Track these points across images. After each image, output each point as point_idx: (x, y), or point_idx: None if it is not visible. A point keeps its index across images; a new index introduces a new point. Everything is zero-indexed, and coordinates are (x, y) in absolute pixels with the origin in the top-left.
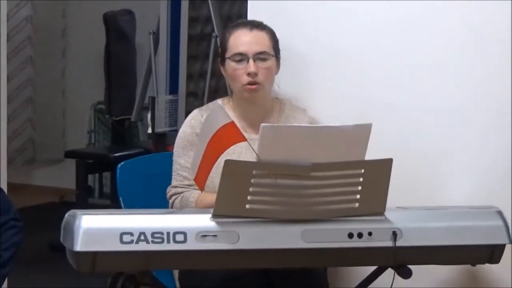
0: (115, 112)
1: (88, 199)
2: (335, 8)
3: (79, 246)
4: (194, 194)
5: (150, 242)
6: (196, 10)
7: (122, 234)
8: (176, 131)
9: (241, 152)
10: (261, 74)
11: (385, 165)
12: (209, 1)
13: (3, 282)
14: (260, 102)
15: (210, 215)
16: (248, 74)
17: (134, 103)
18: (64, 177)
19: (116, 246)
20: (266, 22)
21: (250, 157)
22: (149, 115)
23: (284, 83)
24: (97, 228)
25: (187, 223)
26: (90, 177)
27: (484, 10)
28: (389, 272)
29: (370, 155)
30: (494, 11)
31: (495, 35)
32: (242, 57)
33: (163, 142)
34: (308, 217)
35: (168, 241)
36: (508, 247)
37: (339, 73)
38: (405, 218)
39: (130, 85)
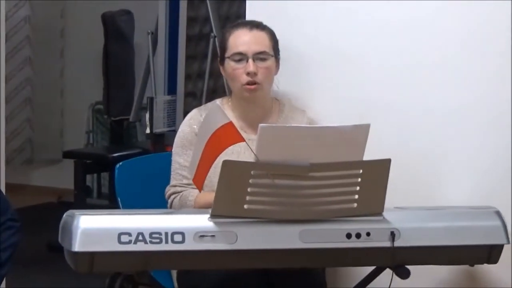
0: (114, 112)
1: (86, 199)
2: (335, 8)
3: (77, 246)
4: (193, 193)
5: (148, 242)
6: (194, 10)
7: (120, 234)
8: (175, 131)
9: (240, 152)
10: (260, 74)
11: (384, 165)
12: (208, 1)
13: (1, 282)
14: (259, 102)
15: (208, 215)
16: (248, 74)
17: (132, 103)
18: (62, 177)
19: (114, 246)
20: (264, 22)
21: (249, 157)
22: (147, 116)
23: (283, 83)
24: (95, 228)
25: (185, 223)
26: (88, 177)
27: (484, 10)
28: (387, 272)
29: (370, 155)
30: (494, 11)
31: (495, 35)
32: (241, 57)
33: (161, 142)
34: (306, 217)
35: (166, 241)
36: (506, 247)
37: (338, 73)
38: (403, 218)
39: (128, 85)
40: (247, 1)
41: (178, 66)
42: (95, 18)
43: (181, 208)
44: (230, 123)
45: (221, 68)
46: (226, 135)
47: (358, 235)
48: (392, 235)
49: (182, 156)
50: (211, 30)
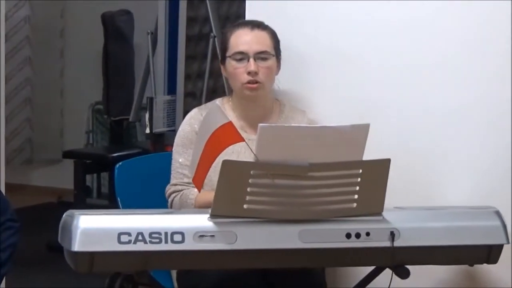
0: (113, 112)
1: (86, 199)
2: (335, 8)
3: (77, 246)
4: (193, 192)
5: (148, 242)
6: (194, 10)
7: (120, 234)
8: (174, 131)
9: (240, 151)
10: (261, 74)
11: (383, 165)
12: (207, 1)
13: (1, 282)
14: (260, 102)
15: (208, 215)
16: (249, 73)
17: (132, 103)
18: (62, 177)
19: (113, 246)
20: (264, 22)
21: (249, 157)
22: (147, 115)
23: (283, 83)
24: (95, 228)
25: (185, 223)
26: (88, 177)
27: (484, 10)
28: (387, 272)
29: (370, 155)
30: (494, 11)
31: (495, 35)
32: (242, 56)
33: (161, 142)
34: (306, 217)
35: (166, 241)
36: (506, 247)
37: (338, 73)
38: (402, 218)
39: (128, 85)
40: (246, 1)
41: (178, 66)
42: (95, 18)
43: (182, 206)
44: (230, 123)
45: (222, 67)
46: (225, 135)
47: (357, 235)
48: (392, 235)
49: (183, 155)
50: (211, 30)
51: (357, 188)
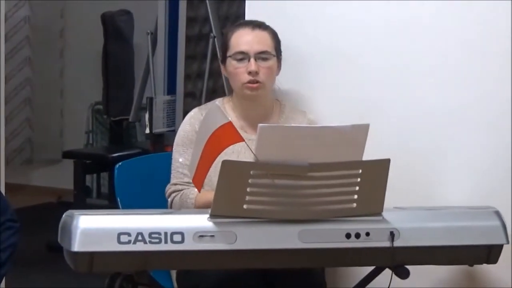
0: (113, 112)
1: (86, 200)
2: (335, 8)
3: (76, 246)
4: (193, 192)
5: (148, 242)
6: (194, 10)
7: (119, 234)
8: (174, 131)
9: (240, 151)
10: (262, 74)
11: (383, 165)
12: (207, 2)
13: (1, 282)
14: (260, 102)
15: (207, 215)
16: (249, 73)
17: (132, 104)
18: (62, 177)
19: (113, 246)
20: (264, 22)
21: (249, 156)
22: (147, 116)
23: (282, 83)
24: (94, 228)
25: (184, 223)
26: (88, 177)
27: (484, 10)
28: (387, 272)
29: (370, 155)
30: (494, 11)
31: (495, 35)
32: (243, 56)
33: (161, 142)
34: (305, 217)
35: (166, 241)
36: (505, 247)
37: (338, 73)
38: (402, 218)
39: (128, 85)
40: (246, 1)
41: (178, 66)
42: (95, 18)
43: (182, 206)
44: (230, 123)
45: (222, 67)
46: (225, 135)
47: (357, 235)
48: (392, 235)
49: (183, 155)
50: (211, 30)
51: (357, 188)
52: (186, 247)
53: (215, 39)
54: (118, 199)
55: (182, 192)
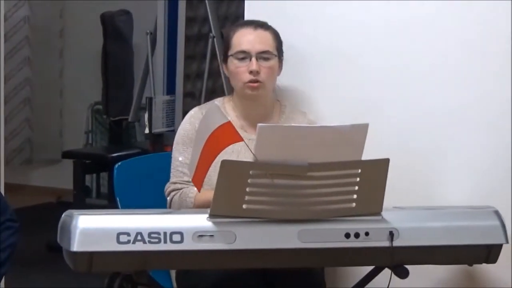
0: (113, 112)
1: (85, 199)
2: (334, 8)
3: (76, 246)
4: (193, 191)
5: (147, 242)
6: (193, 10)
7: (119, 234)
8: (174, 131)
9: (240, 151)
10: (263, 73)
11: (382, 165)
12: (206, 2)
13: (0, 282)
14: (261, 102)
15: (207, 215)
16: (250, 72)
17: (131, 104)
18: (61, 177)
19: (112, 246)
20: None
21: (249, 156)
22: (146, 116)
23: (282, 82)
24: (93, 228)
25: (183, 223)
26: (87, 177)
27: (484, 10)
28: (386, 272)
29: (370, 155)
30: (494, 11)
31: (495, 35)
32: (245, 55)
33: (160, 142)
34: (305, 217)
35: (165, 241)
36: (505, 247)
37: (337, 73)
38: (402, 218)
39: (127, 85)
40: (245, 1)
41: (177, 66)
42: (94, 18)
43: (181, 205)
44: (229, 122)
45: (224, 66)
46: (224, 135)
47: (356, 235)
48: (391, 234)
49: (183, 154)
50: (210, 30)
51: (356, 188)
52: (185, 247)
53: (214, 39)
54: (118, 199)
55: (181, 191)
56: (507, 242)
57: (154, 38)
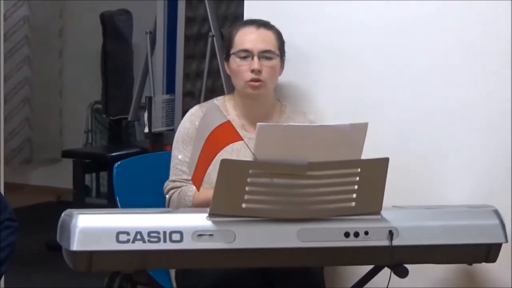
0: (112, 111)
1: (85, 199)
2: (334, 8)
3: (75, 246)
4: (192, 189)
5: (147, 241)
6: (193, 10)
7: (118, 233)
8: (173, 130)
9: (240, 150)
10: (265, 72)
11: (382, 164)
12: (206, 1)
13: (0, 281)
14: (262, 101)
15: (206, 214)
16: (252, 71)
17: (131, 103)
18: (61, 176)
19: (112, 246)
20: None
21: (249, 155)
22: (146, 115)
23: (282, 82)
24: (93, 228)
25: (183, 222)
26: (87, 176)
27: (484, 10)
28: (386, 271)
29: (370, 155)
30: (494, 11)
31: (495, 35)
32: (247, 54)
33: (160, 141)
34: (304, 216)
35: (165, 241)
36: (504, 246)
37: (337, 73)
38: (401, 217)
39: (127, 84)
40: (245, 1)
41: (177, 66)
42: (94, 18)
43: (180, 203)
44: (228, 122)
45: (225, 64)
46: (224, 134)
47: (356, 234)
48: (390, 234)
49: (183, 152)
50: (209, 30)
51: (356, 187)
52: (185, 246)
53: (214, 38)
54: (117, 198)
55: (180, 189)
56: (506, 241)
57: (154, 37)
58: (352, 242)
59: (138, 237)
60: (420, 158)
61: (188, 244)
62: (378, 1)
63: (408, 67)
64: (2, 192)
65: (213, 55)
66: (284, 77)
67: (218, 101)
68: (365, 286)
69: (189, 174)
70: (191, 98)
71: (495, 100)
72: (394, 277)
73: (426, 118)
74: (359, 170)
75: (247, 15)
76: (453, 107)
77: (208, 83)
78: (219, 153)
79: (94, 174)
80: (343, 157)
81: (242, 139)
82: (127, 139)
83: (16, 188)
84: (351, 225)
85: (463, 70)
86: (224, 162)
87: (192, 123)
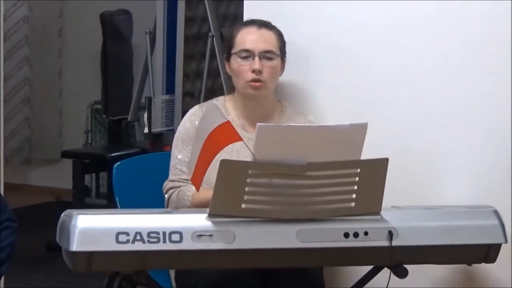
0: (112, 112)
1: (85, 199)
2: (334, 8)
3: (75, 246)
4: (191, 189)
5: (146, 241)
6: (192, 10)
7: (118, 233)
8: (173, 131)
9: (239, 150)
10: (265, 73)
11: (381, 164)
12: (206, 1)
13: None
14: (262, 101)
15: (206, 215)
16: (253, 71)
17: (130, 103)
18: (61, 177)
19: (112, 246)
20: None
21: (249, 156)
22: (145, 115)
23: (282, 82)
24: (93, 228)
25: (183, 223)
26: (87, 177)
27: (484, 10)
28: (385, 271)
29: (370, 155)
30: (494, 11)
31: (495, 35)
32: (248, 54)
33: (160, 142)
34: (304, 216)
35: (164, 241)
36: (504, 246)
37: (337, 73)
38: (401, 217)
39: (126, 85)
40: (244, 1)
41: (176, 66)
42: (94, 18)
43: (179, 203)
44: (228, 122)
45: (226, 64)
46: (223, 135)
47: (356, 235)
48: (390, 234)
49: (182, 152)
50: (209, 30)
51: (355, 187)
52: (184, 246)
53: (214, 38)
54: (117, 199)
55: (179, 189)
56: (505, 241)
57: (154, 37)
58: (351, 243)
59: (138, 237)
60: (420, 158)
61: (188, 244)
62: (378, 1)
63: (408, 67)
64: (2, 193)
65: (212, 55)
66: (284, 77)
67: (218, 101)
68: (365, 286)
69: (188, 174)
70: (191, 99)
71: (495, 100)
72: (393, 277)
73: (426, 118)
74: (358, 170)
75: (246, 15)
76: (453, 107)
77: (208, 83)
78: (219, 154)
79: (93, 175)
80: (343, 157)
81: (241, 140)
82: (127, 139)
83: (16, 188)
84: (351, 226)
85: (463, 70)
86: (223, 162)
87: (192, 123)
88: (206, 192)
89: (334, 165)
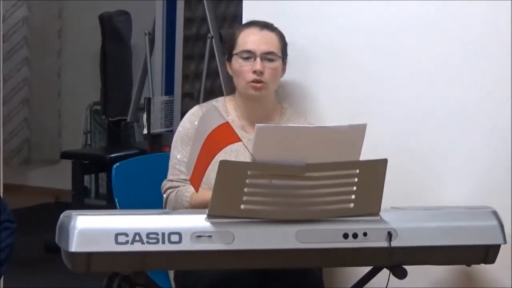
0: (111, 112)
1: (84, 200)
2: (334, 8)
3: (74, 247)
4: (189, 190)
5: (145, 242)
6: (191, 11)
7: (117, 234)
8: (172, 132)
9: (239, 151)
10: (267, 74)
11: (380, 165)
12: (205, 2)
13: None
14: (262, 102)
15: (205, 216)
16: (254, 72)
17: (130, 104)
18: (60, 177)
19: (111, 247)
20: None
21: (248, 156)
22: (145, 116)
23: (282, 82)
24: (92, 229)
25: (182, 224)
26: (86, 177)
27: (484, 10)
28: (385, 272)
29: (370, 156)
30: (494, 11)
31: (495, 35)
32: (249, 55)
33: (159, 142)
34: (303, 217)
35: (163, 242)
36: (503, 247)
37: (337, 73)
38: (400, 218)
39: (126, 85)
40: (243, 1)
41: (176, 67)
42: (93, 19)
43: (177, 203)
44: (227, 123)
45: (227, 65)
46: (222, 135)
47: (355, 235)
48: (389, 235)
49: (181, 152)
50: (208, 31)
51: (354, 188)
52: (183, 247)
53: (213, 39)
54: (116, 200)
55: (178, 189)
56: (505, 242)
57: (153, 38)
58: (350, 243)
59: (137, 238)
60: (419, 159)
61: (187, 245)
62: (378, 1)
63: (408, 67)
64: (1, 193)
65: (212, 56)
66: (284, 77)
67: (218, 102)
68: (364, 287)
69: (187, 174)
70: (190, 99)
71: (495, 100)
72: (393, 278)
73: (426, 118)
74: (357, 171)
75: (246, 16)
76: (453, 107)
77: (207, 84)
78: (218, 154)
79: (93, 175)
80: (342, 158)
81: (241, 140)
82: (126, 140)
83: (15, 189)
84: (350, 226)
85: (463, 70)
86: (222, 163)
87: (192, 123)
88: (205, 192)
89: (333, 166)
